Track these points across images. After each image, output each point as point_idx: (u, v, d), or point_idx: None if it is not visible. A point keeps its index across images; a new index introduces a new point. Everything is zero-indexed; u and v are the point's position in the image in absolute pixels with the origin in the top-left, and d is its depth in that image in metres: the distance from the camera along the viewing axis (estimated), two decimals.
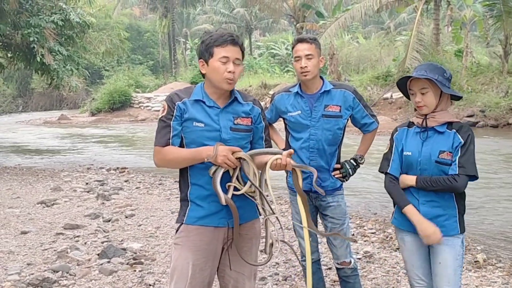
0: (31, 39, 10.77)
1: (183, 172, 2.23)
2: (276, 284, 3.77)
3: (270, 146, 2.41)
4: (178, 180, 2.30)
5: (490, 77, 18.65)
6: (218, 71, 2.15)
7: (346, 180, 2.97)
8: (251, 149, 2.29)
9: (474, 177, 2.32)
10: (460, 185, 2.29)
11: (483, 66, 19.94)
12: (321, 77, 2.92)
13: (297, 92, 2.91)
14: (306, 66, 2.79)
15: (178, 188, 2.30)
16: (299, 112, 2.88)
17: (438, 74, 2.35)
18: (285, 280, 3.85)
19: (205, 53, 2.18)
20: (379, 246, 4.72)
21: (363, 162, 3.00)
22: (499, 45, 20.28)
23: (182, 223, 2.21)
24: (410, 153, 2.42)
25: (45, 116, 31.42)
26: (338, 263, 2.97)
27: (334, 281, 3.70)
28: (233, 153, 2.09)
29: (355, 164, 2.96)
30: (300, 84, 2.93)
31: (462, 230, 2.40)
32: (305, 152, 2.87)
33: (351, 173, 2.95)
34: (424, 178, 2.35)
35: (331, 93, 2.87)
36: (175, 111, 2.17)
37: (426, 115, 2.40)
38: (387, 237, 4.99)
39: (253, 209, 2.27)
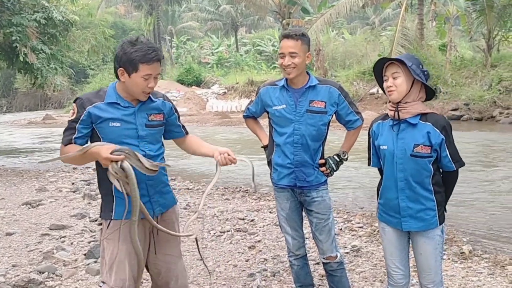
0: (14, 38, 10.60)
1: (103, 168, 2.27)
2: (265, 280, 3.77)
3: (187, 133, 2.61)
4: None
5: (473, 70, 18.90)
6: (138, 86, 2.27)
7: (331, 176, 2.98)
8: (170, 136, 2.56)
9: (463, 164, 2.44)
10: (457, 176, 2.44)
11: (467, 60, 20.19)
12: (307, 72, 2.91)
13: (283, 86, 2.89)
14: (289, 64, 2.78)
15: (98, 184, 2.40)
16: (284, 106, 2.86)
17: (412, 63, 2.37)
18: (274, 276, 3.85)
19: (128, 65, 2.25)
20: (367, 240, 4.74)
21: (346, 158, 3.01)
22: (482, 39, 20.55)
23: (111, 219, 2.32)
24: (386, 147, 2.47)
25: (30, 116, 31.02)
26: (324, 258, 2.98)
27: (322, 276, 3.71)
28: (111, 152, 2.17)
29: (338, 160, 2.96)
30: (286, 78, 2.91)
31: (442, 221, 2.46)
32: (289, 147, 2.86)
33: (334, 169, 2.95)
34: (447, 198, 2.48)
35: (317, 88, 2.86)
36: (83, 115, 2.28)
37: (397, 105, 2.41)
38: (374, 231, 5.02)
39: (171, 197, 2.50)
